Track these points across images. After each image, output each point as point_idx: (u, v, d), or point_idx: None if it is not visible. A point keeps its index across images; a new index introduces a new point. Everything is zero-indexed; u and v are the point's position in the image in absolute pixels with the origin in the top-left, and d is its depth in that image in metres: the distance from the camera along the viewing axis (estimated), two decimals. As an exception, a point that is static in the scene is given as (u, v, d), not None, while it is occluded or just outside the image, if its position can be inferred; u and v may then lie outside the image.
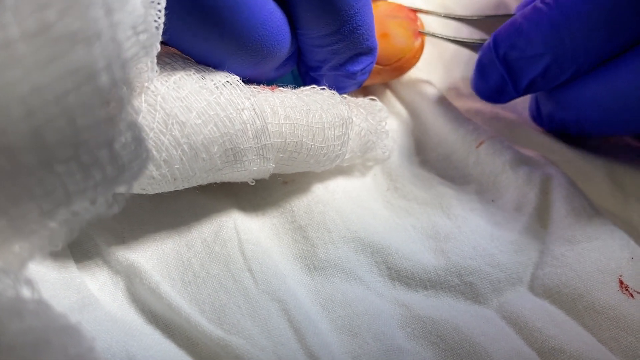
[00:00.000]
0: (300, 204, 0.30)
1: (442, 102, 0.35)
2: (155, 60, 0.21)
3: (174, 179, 0.24)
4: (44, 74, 0.14)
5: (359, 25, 0.28)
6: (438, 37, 0.36)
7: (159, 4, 0.19)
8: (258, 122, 0.25)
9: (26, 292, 0.16)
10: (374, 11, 0.33)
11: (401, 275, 0.28)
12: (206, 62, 0.26)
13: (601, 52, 0.29)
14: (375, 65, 0.33)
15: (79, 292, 0.26)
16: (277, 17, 0.26)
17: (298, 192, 0.30)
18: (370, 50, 0.30)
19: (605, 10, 0.28)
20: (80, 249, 0.28)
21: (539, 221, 0.30)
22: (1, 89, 0.14)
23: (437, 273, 0.28)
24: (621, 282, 0.27)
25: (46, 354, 0.16)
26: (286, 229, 0.29)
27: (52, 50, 0.14)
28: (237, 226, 0.28)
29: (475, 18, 0.36)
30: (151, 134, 0.22)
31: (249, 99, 0.25)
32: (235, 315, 0.26)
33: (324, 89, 0.28)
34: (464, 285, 0.28)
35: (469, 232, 0.30)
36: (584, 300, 0.27)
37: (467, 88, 0.38)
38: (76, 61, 0.14)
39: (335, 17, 0.27)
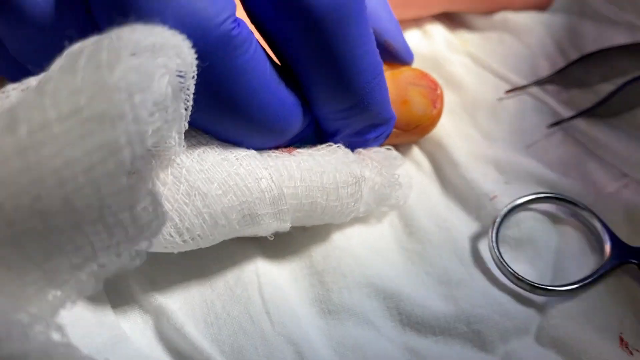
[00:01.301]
0: (318, 250, 0.31)
1: (461, 153, 0.36)
2: (183, 137, 0.23)
3: (196, 243, 0.26)
4: (74, 149, 0.16)
5: (371, 103, 0.29)
6: (522, 87, 0.40)
7: (188, 89, 0.22)
8: (275, 189, 0.27)
9: (56, 337, 0.18)
10: (398, 77, 0.35)
11: (412, 321, 0.30)
12: (224, 140, 0.27)
13: None
14: (394, 129, 0.34)
15: (112, 330, 0.28)
16: (288, 104, 0.28)
17: (317, 238, 0.32)
18: (385, 121, 0.31)
19: None
20: (115, 291, 0.30)
21: (548, 273, 0.31)
22: (38, 163, 0.16)
23: (446, 320, 0.30)
24: (621, 339, 0.28)
25: (72, 392, 0.18)
26: (304, 273, 0.31)
27: (82, 129, 0.16)
28: (258, 270, 0.30)
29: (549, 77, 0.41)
30: (175, 205, 0.24)
31: (267, 168, 0.27)
32: (253, 357, 0.28)
33: (340, 146, 0.30)
34: (471, 333, 0.29)
35: (479, 279, 0.31)
36: (587, 354, 0.27)
37: (488, 135, 0.39)
38: (102, 139, 0.16)
39: (348, 96, 0.28)
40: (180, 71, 0.21)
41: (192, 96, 0.23)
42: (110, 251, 0.18)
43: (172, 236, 0.25)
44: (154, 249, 0.26)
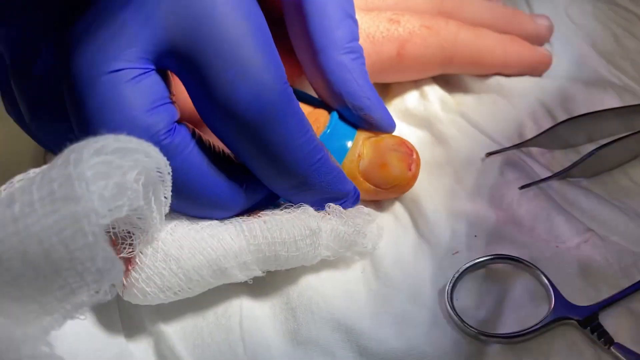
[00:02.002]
0: (295, 289, 0.37)
1: (436, 209, 0.42)
2: (164, 218, 0.31)
3: (178, 296, 0.33)
4: (48, 219, 0.23)
5: (316, 183, 0.34)
6: (504, 149, 0.44)
7: (165, 182, 0.29)
8: (235, 245, 0.33)
9: (45, 349, 0.25)
10: (379, 143, 0.40)
11: (368, 354, 0.35)
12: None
13: None
14: (375, 187, 0.40)
15: (119, 347, 0.35)
16: (228, 188, 0.34)
17: (295, 279, 0.38)
18: (340, 196, 0.36)
19: None
20: (127, 315, 0.37)
21: (494, 321, 0.35)
22: (25, 228, 0.23)
23: (396, 354, 0.34)
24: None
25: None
26: (281, 308, 0.37)
27: (53, 206, 0.23)
28: (242, 304, 0.37)
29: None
30: (155, 270, 0.32)
31: (227, 230, 0.33)
32: (224, 377, 0.34)
33: (300, 205, 0.36)
34: (417, 367, 0.34)
35: (430, 322, 0.36)
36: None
37: (468, 189, 0.43)
38: (67, 212, 0.23)
39: (288, 180, 0.34)
40: (158, 169, 0.28)
41: (170, 187, 0.30)
42: (84, 289, 0.25)
43: (156, 294, 0.33)
44: (147, 303, 0.34)
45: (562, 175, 0.43)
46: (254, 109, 0.31)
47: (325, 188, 0.35)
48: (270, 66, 0.32)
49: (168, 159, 0.30)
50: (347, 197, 0.37)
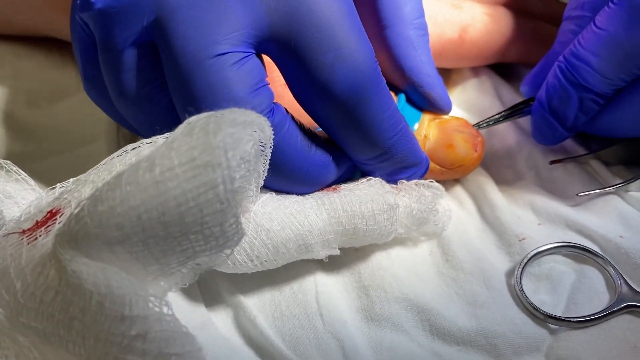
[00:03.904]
0: (366, 268, 0.39)
1: (500, 196, 0.43)
2: (259, 190, 0.33)
3: (264, 266, 0.35)
4: (188, 184, 0.24)
5: (396, 153, 0.36)
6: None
7: (266, 155, 0.31)
8: (320, 222, 0.35)
9: (166, 310, 0.26)
10: (445, 125, 0.42)
11: (440, 332, 0.36)
12: (279, 191, 0.36)
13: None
14: (440, 167, 0.41)
15: (202, 316, 0.36)
16: (319, 165, 0.35)
17: (366, 259, 0.39)
18: (414, 164, 0.38)
19: None
20: (206, 287, 0.38)
21: (561, 306, 0.37)
22: (165, 191, 0.24)
23: (468, 333, 0.36)
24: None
25: (173, 347, 0.26)
26: (353, 286, 0.38)
27: (194, 172, 0.24)
28: (317, 281, 0.38)
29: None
30: (246, 239, 0.33)
31: (312, 207, 0.35)
32: (306, 346, 0.35)
33: (377, 180, 0.37)
34: (489, 346, 0.35)
35: (501, 303, 0.37)
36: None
37: (533, 184, 0.45)
38: (206, 178, 0.24)
39: (372, 151, 0.36)
40: (262, 142, 0.30)
41: (269, 161, 0.31)
42: (205, 254, 0.26)
43: (245, 262, 0.34)
44: (234, 271, 0.35)
45: (621, 186, 0.43)
46: (351, 88, 0.33)
47: (404, 156, 0.37)
48: (364, 46, 0.33)
49: None
50: (421, 165, 0.39)
